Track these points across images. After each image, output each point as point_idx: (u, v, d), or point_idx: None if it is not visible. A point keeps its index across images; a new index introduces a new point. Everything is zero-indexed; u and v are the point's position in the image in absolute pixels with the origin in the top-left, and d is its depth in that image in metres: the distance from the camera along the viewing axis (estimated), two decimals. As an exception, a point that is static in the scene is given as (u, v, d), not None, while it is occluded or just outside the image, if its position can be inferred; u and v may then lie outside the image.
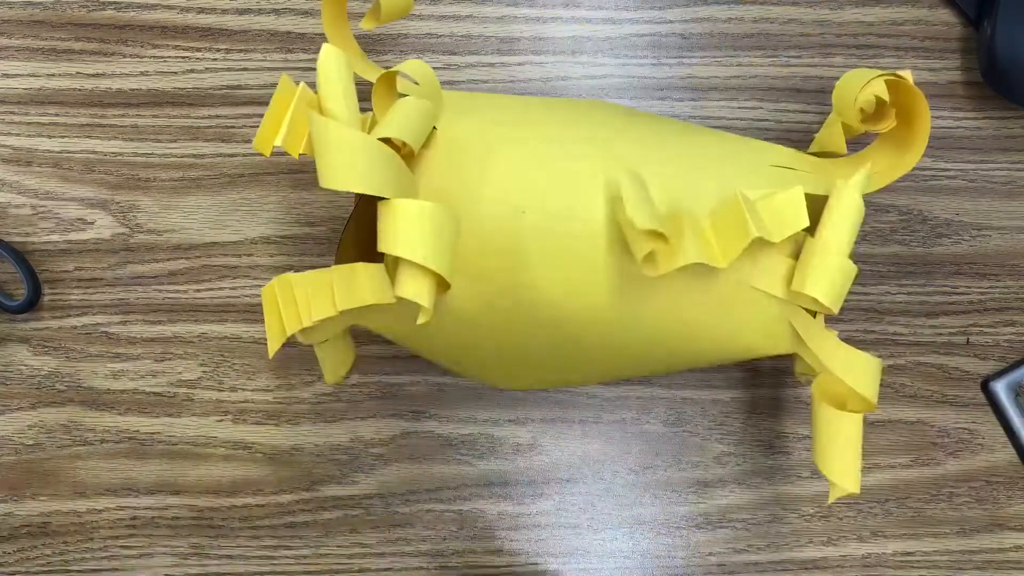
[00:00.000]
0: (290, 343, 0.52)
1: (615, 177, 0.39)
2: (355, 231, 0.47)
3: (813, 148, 0.48)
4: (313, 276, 0.41)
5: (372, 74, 0.46)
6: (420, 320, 0.38)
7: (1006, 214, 0.54)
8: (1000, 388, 0.53)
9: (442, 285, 0.39)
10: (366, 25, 0.45)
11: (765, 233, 0.39)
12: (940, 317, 0.53)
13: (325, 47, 0.39)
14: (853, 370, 0.42)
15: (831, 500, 0.42)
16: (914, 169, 0.53)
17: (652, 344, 0.43)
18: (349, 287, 0.40)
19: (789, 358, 0.53)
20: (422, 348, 0.44)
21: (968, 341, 0.53)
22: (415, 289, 0.37)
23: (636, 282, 0.41)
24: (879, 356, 0.53)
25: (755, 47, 0.53)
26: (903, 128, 0.43)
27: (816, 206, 0.43)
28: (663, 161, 0.41)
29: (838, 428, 0.42)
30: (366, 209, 0.47)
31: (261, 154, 0.41)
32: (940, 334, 0.53)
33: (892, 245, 0.53)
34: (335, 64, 0.39)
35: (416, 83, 0.40)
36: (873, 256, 0.53)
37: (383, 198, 0.38)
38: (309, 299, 0.41)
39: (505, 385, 0.47)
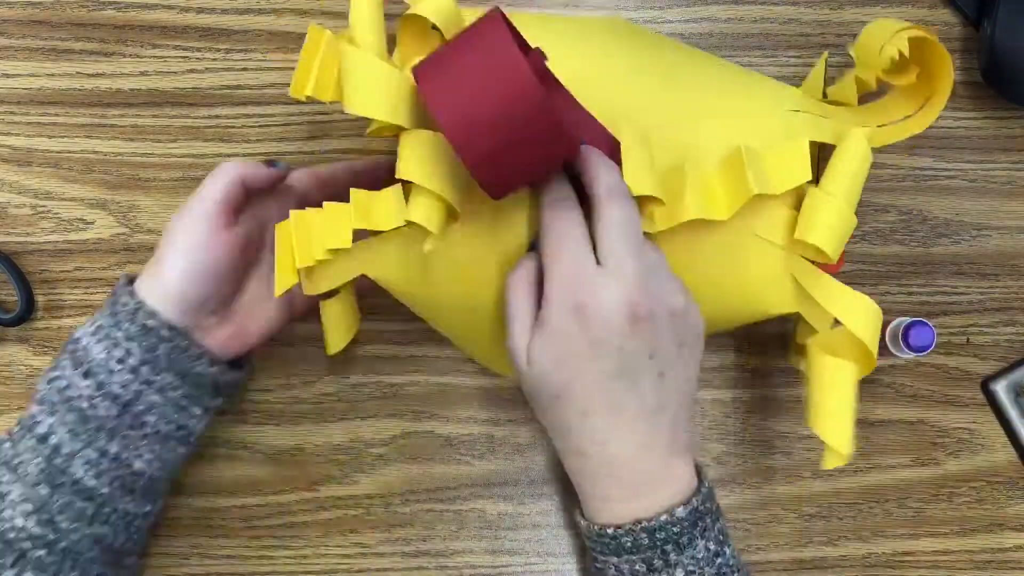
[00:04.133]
0: (287, 342, 0.52)
1: (621, 124, 0.39)
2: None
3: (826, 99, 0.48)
4: (330, 208, 0.41)
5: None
6: (427, 246, 0.38)
7: (1006, 214, 0.54)
8: (1000, 388, 0.53)
9: (452, 215, 0.40)
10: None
11: (766, 188, 0.39)
12: (940, 317, 0.53)
13: None
14: (855, 313, 0.41)
15: (827, 466, 0.41)
16: (914, 169, 0.53)
17: None
18: (366, 211, 0.40)
19: (786, 354, 0.53)
20: (430, 307, 0.44)
21: (968, 341, 0.53)
22: (425, 213, 0.38)
23: None
24: (879, 356, 0.53)
25: (755, 47, 0.53)
26: (924, 85, 0.43)
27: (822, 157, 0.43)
28: (680, 103, 0.41)
29: (834, 380, 0.42)
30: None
31: (297, 99, 0.42)
32: (940, 334, 0.53)
33: (892, 245, 0.53)
34: (369, 3, 0.39)
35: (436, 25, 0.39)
36: (873, 256, 0.53)
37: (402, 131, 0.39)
38: (324, 230, 0.41)
39: (500, 366, 0.46)
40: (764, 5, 0.53)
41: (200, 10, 0.52)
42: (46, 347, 0.51)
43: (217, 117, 0.52)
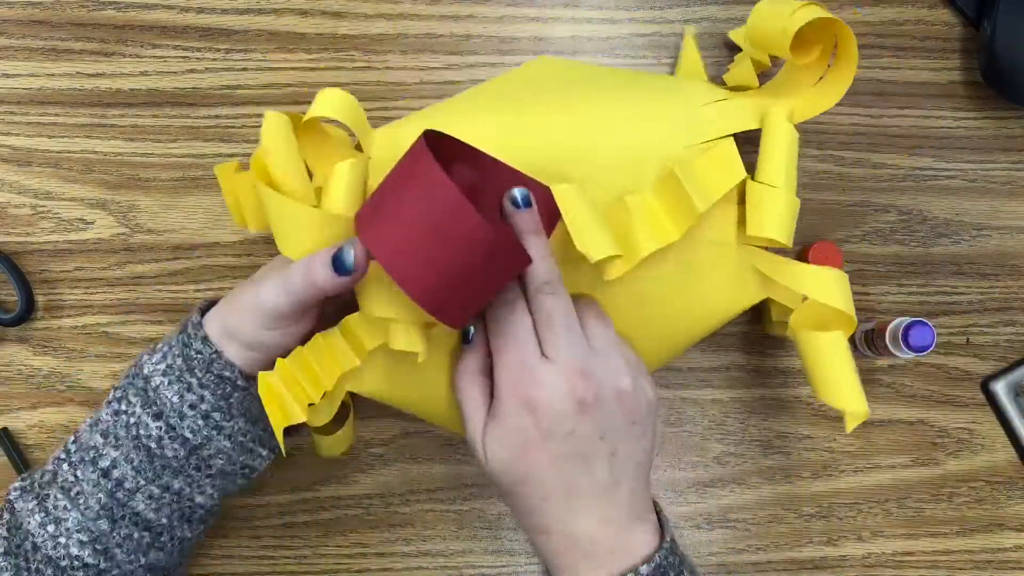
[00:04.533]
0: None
1: (554, 172, 0.40)
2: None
3: (728, 86, 0.48)
4: (314, 347, 0.40)
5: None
6: (420, 359, 0.39)
7: (1006, 214, 0.54)
8: (1000, 388, 0.53)
9: (429, 323, 0.40)
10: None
11: (708, 201, 0.40)
12: (940, 317, 0.53)
13: (268, 114, 0.39)
14: (825, 287, 0.42)
15: (849, 429, 0.42)
16: (914, 169, 0.53)
17: (634, 330, 0.43)
18: (354, 340, 0.40)
19: (788, 355, 0.53)
20: (411, 403, 0.44)
21: (968, 341, 0.53)
22: (407, 339, 0.38)
23: (599, 277, 0.41)
24: (879, 356, 0.53)
25: (755, 47, 0.53)
26: (823, 56, 0.44)
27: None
28: (604, 133, 0.42)
29: (826, 352, 0.42)
30: None
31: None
32: (940, 334, 0.53)
33: (892, 245, 0.53)
34: (279, 130, 0.39)
35: (339, 122, 0.40)
36: (873, 256, 0.53)
37: None
38: (315, 371, 0.40)
39: None
40: (764, 5, 0.53)
41: (200, 10, 0.52)
42: (46, 347, 0.51)
43: (217, 117, 0.52)
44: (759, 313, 0.52)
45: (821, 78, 0.44)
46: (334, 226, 0.38)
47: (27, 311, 0.50)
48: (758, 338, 0.53)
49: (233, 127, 0.52)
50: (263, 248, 0.52)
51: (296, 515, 0.52)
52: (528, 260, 0.37)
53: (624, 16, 0.53)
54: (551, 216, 0.39)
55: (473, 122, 0.42)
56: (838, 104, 0.53)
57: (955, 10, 0.54)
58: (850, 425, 0.42)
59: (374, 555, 0.52)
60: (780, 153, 0.42)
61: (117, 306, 0.51)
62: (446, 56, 0.52)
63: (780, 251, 0.44)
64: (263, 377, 0.39)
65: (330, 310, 0.42)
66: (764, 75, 0.48)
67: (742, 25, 0.53)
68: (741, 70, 0.47)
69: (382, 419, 0.52)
